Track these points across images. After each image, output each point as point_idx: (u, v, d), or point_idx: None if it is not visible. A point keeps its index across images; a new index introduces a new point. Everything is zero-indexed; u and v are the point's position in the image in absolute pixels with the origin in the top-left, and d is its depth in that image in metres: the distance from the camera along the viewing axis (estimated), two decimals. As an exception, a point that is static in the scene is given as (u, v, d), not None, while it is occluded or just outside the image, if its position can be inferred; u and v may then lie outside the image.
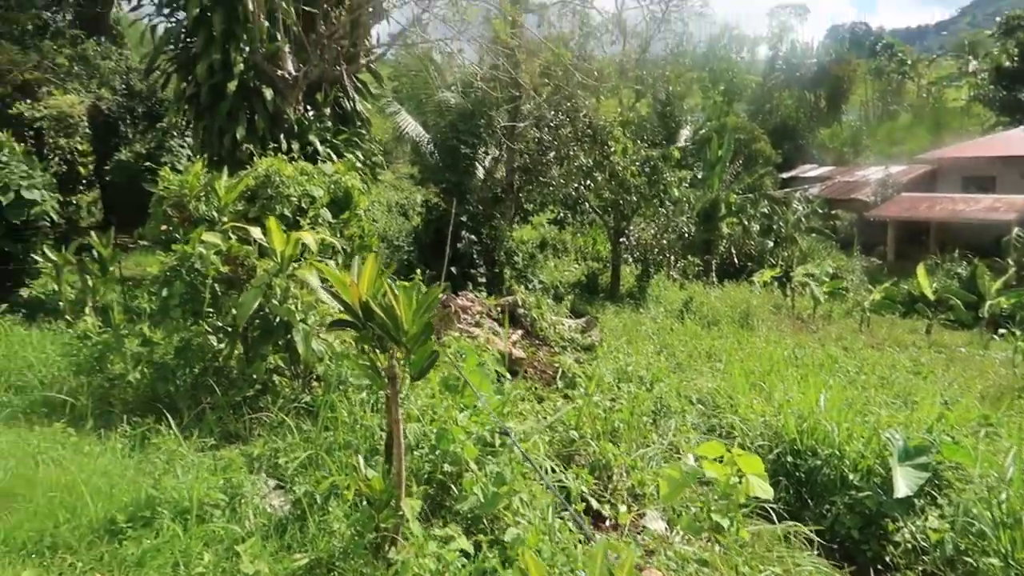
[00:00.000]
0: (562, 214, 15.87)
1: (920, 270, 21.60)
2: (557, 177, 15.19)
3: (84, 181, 19.84)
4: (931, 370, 11.04)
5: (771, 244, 29.29)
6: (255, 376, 5.17)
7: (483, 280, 13.44)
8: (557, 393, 7.28)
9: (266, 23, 10.33)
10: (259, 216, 6.62)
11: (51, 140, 18.42)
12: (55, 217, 9.29)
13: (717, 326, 15.46)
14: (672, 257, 18.91)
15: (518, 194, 14.95)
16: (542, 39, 13.65)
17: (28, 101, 17.70)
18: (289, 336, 5.23)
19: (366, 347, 3.11)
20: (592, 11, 13.81)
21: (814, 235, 31.42)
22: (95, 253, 6.80)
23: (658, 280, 18.75)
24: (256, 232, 5.45)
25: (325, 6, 11.34)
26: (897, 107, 64.93)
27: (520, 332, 8.90)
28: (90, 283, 6.62)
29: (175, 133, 19.99)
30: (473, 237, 13.84)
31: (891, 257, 32.69)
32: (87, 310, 6.26)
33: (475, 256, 13.84)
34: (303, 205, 6.86)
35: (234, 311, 5.27)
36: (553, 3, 13.90)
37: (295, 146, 10.83)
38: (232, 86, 10.25)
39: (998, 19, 55.59)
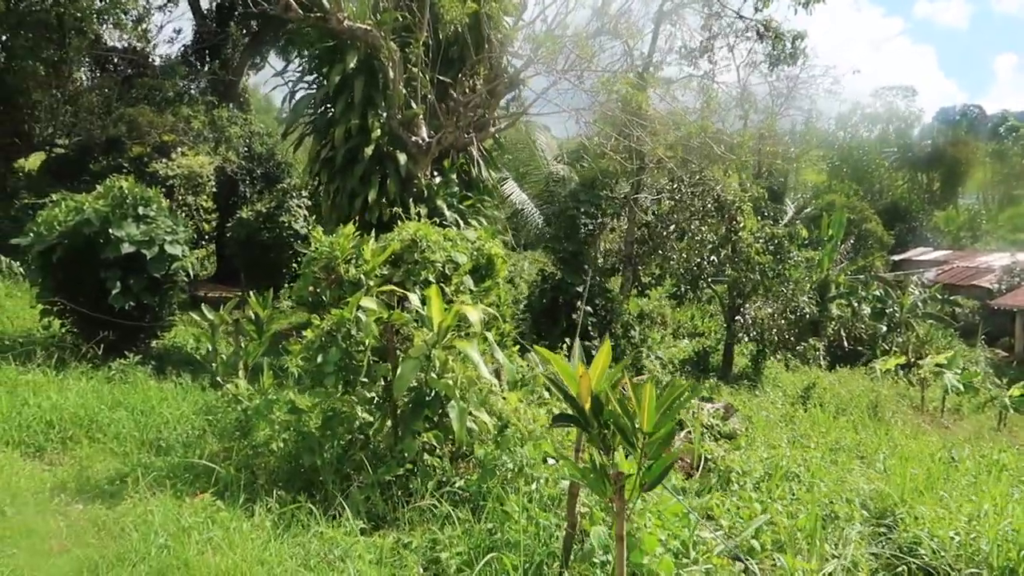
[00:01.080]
0: (682, 288, 15.27)
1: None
2: (679, 251, 14.68)
3: (206, 237, 20.74)
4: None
5: (884, 329, 27.65)
6: (406, 454, 4.80)
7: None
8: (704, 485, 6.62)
9: (403, 90, 10.44)
10: (403, 281, 6.42)
11: (180, 197, 19.34)
12: (192, 272, 9.46)
13: (844, 415, 14.41)
14: (791, 338, 17.90)
15: (636, 266, 14.49)
16: (668, 111, 13.39)
17: (164, 160, 18.70)
18: (443, 412, 4.87)
19: (591, 447, 2.67)
20: (718, 85, 13.47)
21: (931, 322, 29.55)
22: (251, 314, 6.71)
23: (771, 363, 17.81)
24: (414, 299, 5.18)
25: (460, 76, 11.44)
26: (1021, 191, 61.65)
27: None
28: (244, 344, 6.51)
29: (293, 194, 20.64)
30: (589, 308, 13.41)
31: (1019, 349, 30.44)
32: (240, 372, 6.11)
33: (590, 328, 13.38)
34: (446, 271, 6.62)
35: (387, 381, 4.97)
36: (681, 77, 13.65)
37: (423, 211, 10.76)
38: (369, 151, 10.33)
39: None
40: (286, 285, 20.64)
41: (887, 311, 27.81)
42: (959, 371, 18.80)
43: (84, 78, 23.04)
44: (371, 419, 5.11)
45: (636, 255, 14.53)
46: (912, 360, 23.36)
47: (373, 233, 10.66)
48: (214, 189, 20.44)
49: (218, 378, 6.20)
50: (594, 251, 13.89)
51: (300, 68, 11.58)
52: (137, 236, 8.24)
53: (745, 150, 11.97)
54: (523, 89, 10.63)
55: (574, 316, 13.12)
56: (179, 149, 20.08)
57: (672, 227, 14.93)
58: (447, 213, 11.02)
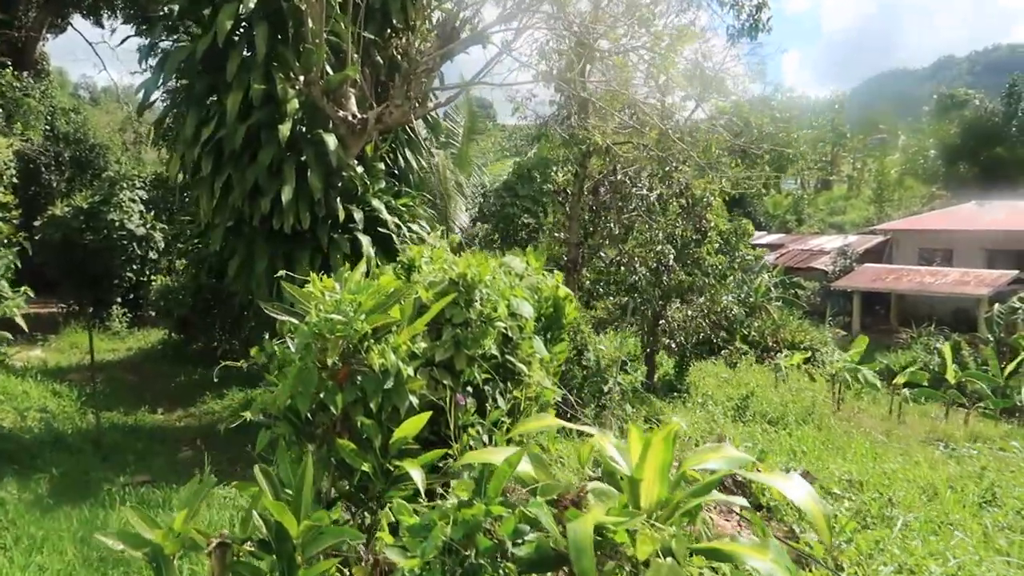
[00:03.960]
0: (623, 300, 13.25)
1: (946, 350, 20.17)
2: (624, 252, 12.60)
3: (5, 240, 15.90)
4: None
5: (743, 315, 27.75)
6: None
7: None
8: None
9: (326, 46, 7.41)
10: (451, 360, 3.71)
11: (-37, 190, 14.60)
12: None
13: (783, 425, 13.28)
14: (716, 341, 16.52)
15: (579, 272, 12.25)
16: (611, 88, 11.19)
17: (-62, 140, 13.92)
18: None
19: None
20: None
21: (778, 304, 30.12)
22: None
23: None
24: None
25: (390, 33, 8.56)
26: (835, 177, 66.50)
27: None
28: None
29: (124, 185, 16.41)
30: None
31: (856, 327, 32.00)
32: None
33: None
34: (509, 333, 3.96)
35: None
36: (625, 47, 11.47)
37: (357, 215, 7.83)
38: (284, 129, 7.20)
39: (935, 96, 58.18)
40: (118, 300, 16.50)
41: (742, 297, 27.83)
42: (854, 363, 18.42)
43: None
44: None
45: (579, 259, 12.26)
46: (772, 344, 23.37)
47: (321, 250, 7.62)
48: (14, 179, 15.74)
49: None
50: (536, 256, 11.40)
51: (164, 10, 8.09)
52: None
53: (711, 143, 10.01)
54: (486, 45, 7.92)
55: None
56: (-41, 125, 15.20)
57: (614, 224, 12.82)
58: (386, 217, 8.13)
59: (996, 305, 26.35)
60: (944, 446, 13.56)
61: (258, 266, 7.67)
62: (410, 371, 3.31)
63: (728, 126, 10.75)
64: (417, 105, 7.89)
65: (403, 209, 8.50)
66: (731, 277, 13.75)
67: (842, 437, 12.19)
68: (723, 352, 18.06)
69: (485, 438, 3.69)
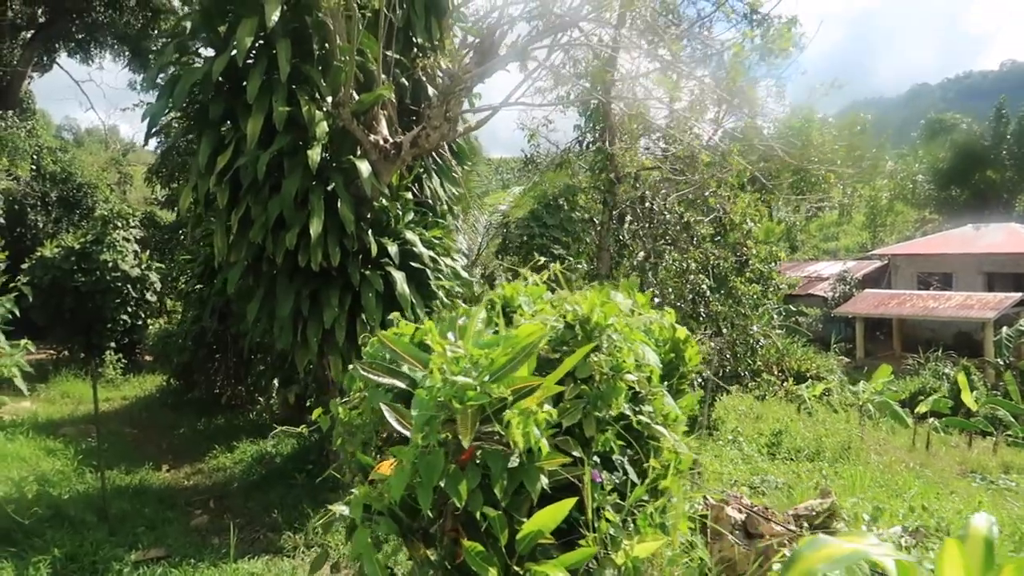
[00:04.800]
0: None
1: (961, 378, 19.64)
2: (650, 286, 11.89)
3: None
4: None
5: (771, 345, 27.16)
6: None
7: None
8: None
9: (355, 63, 6.72)
10: (578, 429, 2.93)
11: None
12: None
13: (820, 460, 12.67)
14: (744, 373, 15.79)
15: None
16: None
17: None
18: None
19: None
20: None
21: (780, 332, 29.52)
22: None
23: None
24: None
25: (416, 51, 7.92)
26: (824, 203, 66.47)
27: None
28: None
29: (118, 224, 15.59)
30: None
31: (860, 355, 31.61)
32: None
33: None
34: (637, 388, 3.21)
35: None
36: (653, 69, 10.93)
37: (392, 249, 7.08)
38: (315, 155, 6.46)
39: (922, 121, 58.55)
40: (111, 345, 15.57)
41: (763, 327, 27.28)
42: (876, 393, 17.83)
43: None
44: None
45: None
46: (777, 374, 22.78)
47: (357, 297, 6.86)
48: (1, 220, 14.93)
49: None
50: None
51: (174, 29, 7.37)
52: None
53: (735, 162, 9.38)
54: (525, 62, 7.24)
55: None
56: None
57: (642, 253, 12.16)
58: (421, 251, 7.39)
59: (1004, 328, 25.92)
60: (980, 478, 12.93)
61: (282, 308, 6.88)
62: (544, 443, 2.53)
63: (764, 146, 10.11)
64: (452, 129, 7.19)
65: (436, 242, 7.77)
66: (763, 307, 13.08)
67: (885, 473, 11.52)
68: (749, 384, 17.40)
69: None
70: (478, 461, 2.50)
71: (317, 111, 6.71)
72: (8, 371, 4.42)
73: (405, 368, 2.70)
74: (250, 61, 6.87)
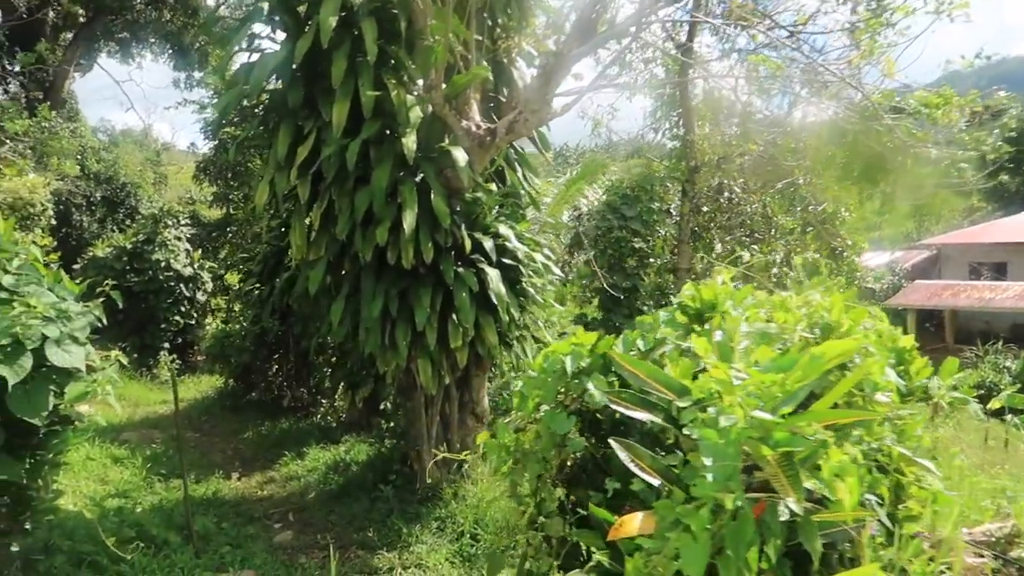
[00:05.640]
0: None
1: (1027, 369, 18.69)
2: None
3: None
4: None
5: None
6: None
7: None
8: None
9: (452, 42, 6.17)
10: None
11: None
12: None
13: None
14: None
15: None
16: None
17: (-26, 181, 12.83)
18: None
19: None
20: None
21: None
22: None
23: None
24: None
25: (498, 32, 7.36)
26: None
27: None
28: None
29: (169, 222, 15.28)
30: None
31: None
32: None
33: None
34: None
35: None
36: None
37: (487, 244, 6.53)
38: (410, 142, 5.94)
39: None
40: (165, 346, 15.29)
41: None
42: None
43: None
44: None
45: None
46: None
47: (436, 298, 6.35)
48: (52, 220, 14.68)
49: None
50: (643, 287, 10.13)
51: (247, 6, 6.88)
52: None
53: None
54: (630, 39, 6.65)
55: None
56: (-5, 165, 14.12)
57: (719, 245, 11.53)
58: (515, 246, 6.84)
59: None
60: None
61: (372, 308, 6.37)
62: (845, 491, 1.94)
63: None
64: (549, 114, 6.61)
65: (528, 236, 7.21)
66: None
67: (1001, 476, 10.77)
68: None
69: None
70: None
71: (408, 95, 6.17)
72: (101, 390, 3.93)
73: (654, 397, 2.12)
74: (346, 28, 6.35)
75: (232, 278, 17.07)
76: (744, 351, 2.12)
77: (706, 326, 2.89)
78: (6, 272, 4.03)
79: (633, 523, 2.06)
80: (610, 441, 2.19)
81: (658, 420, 2.09)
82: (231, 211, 17.88)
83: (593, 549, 2.30)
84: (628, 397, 2.14)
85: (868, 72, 8.27)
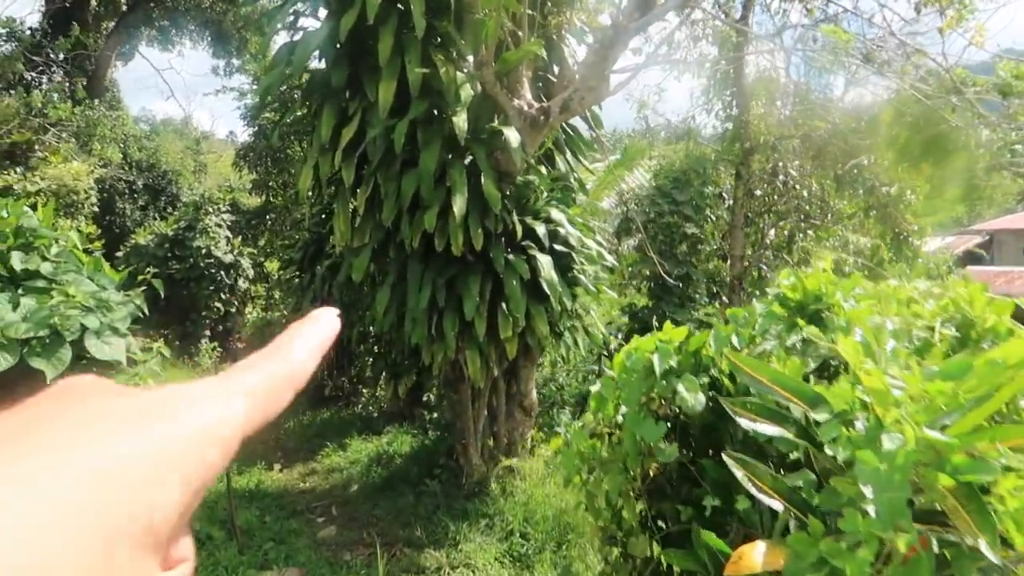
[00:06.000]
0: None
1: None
2: (780, 267, 10.82)
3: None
4: None
5: None
6: None
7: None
8: None
9: (503, 16, 5.83)
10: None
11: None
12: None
13: None
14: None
15: (743, 293, 10.45)
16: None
17: (19, 171, 12.87)
18: None
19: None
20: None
21: None
22: None
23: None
24: None
25: (567, 9, 7.00)
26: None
27: None
28: None
29: (209, 209, 15.22)
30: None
31: None
32: None
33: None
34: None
35: None
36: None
37: (540, 230, 6.21)
38: (460, 121, 5.65)
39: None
40: (206, 333, 15.31)
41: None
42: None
43: None
44: None
45: (740, 278, 10.47)
46: None
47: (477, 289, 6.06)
48: (95, 208, 14.72)
49: None
50: (696, 274, 9.73)
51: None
52: (23, 326, 3.32)
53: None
54: (690, 11, 6.25)
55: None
56: (38, 153, 14.18)
57: (772, 231, 11.06)
58: (568, 231, 6.51)
59: None
60: None
61: (420, 298, 6.10)
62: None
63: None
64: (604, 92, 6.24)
65: (580, 221, 6.87)
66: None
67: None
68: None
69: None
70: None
71: (452, 70, 5.86)
72: (144, 382, 3.71)
73: (793, 410, 1.79)
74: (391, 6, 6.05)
75: (271, 265, 17.02)
76: (892, 353, 1.77)
77: (809, 321, 2.54)
78: (44, 259, 3.82)
79: (754, 556, 1.73)
80: (724, 456, 1.86)
81: (789, 435, 1.75)
82: (270, 198, 17.80)
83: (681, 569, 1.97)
84: (755, 408, 1.80)
85: (952, 42, 7.73)
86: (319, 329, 0.45)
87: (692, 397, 2.45)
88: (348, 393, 11.47)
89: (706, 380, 2.60)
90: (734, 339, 2.62)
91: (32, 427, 0.29)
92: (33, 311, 3.46)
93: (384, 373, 10.31)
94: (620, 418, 2.77)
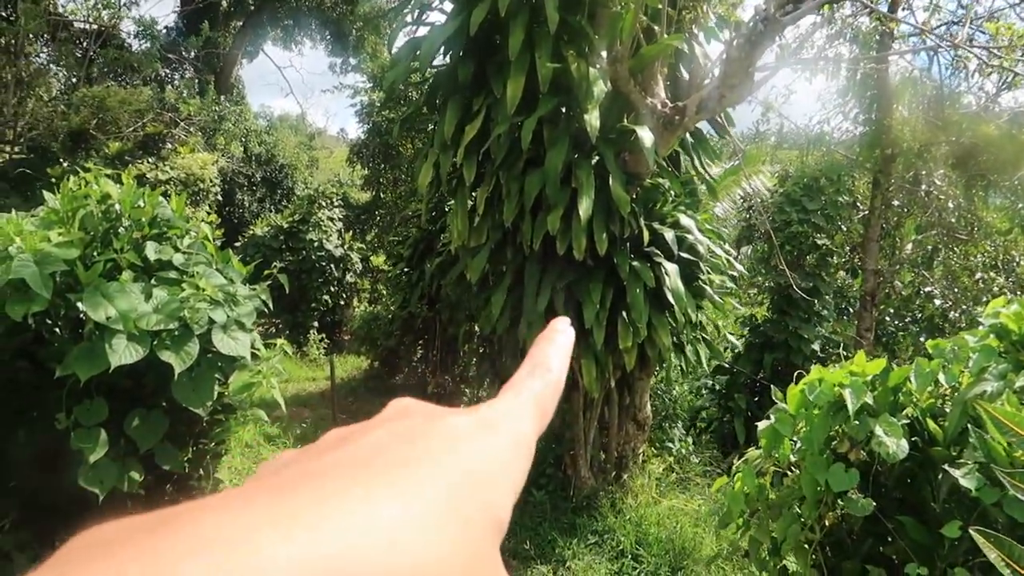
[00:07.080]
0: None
1: None
2: (920, 284, 10.04)
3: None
4: None
5: None
6: None
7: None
8: None
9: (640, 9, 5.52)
10: None
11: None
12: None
13: None
14: None
15: (872, 310, 9.69)
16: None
17: (152, 160, 13.53)
18: None
19: None
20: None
21: None
22: None
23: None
24: None
25: (698, 5, 6.60)
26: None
27: None
28: None
29: (323, 203, 15.57)
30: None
31: None
32: None
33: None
34: None
35: None
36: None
37: (668, 235, 5.86)
38: (593, 119, 5.38)
39: None
40: (315, 325, 15.67)
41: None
42: None
43: (43, 57, 17.61)
44: None
45: (872, 295, 9.72)
46: None
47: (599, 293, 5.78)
48: (218, 197, 15.31)
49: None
50: (825, 288, 9.07)
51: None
52: (154, 318, 3.27)
53: None
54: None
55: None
56: (169, 144, 14.89)
57: (909, 245, 10.24)
58: (696, 238, 6.12)
59: None
60: None
61: (538, 302, 5.87)
62: None
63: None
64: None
65: (709, 228, 6.47)
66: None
67: None
68: None
69: None
70: None
71: (585, 66, 5.58)
72: (267, 383, 3.62)
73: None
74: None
75: (377, 260, 17.26)
76: None
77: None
78: (177, 250, 3.80)
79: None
80: (971, 532, 1.50)
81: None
82: (380, 194, 18.08)
83: None
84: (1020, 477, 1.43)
85: None
86: (564, 340, 0.47)
87: (893, 443, 2.08)
88: (451, 392, 11.40)
89: (905, 422, 2.22)
90: (941, 376, 2.23)
91: (397, 442, 0.32)
92: (164, 303, 3.41)
93: (489, 375, 10.16)
94: (792, 456, 2.42)
